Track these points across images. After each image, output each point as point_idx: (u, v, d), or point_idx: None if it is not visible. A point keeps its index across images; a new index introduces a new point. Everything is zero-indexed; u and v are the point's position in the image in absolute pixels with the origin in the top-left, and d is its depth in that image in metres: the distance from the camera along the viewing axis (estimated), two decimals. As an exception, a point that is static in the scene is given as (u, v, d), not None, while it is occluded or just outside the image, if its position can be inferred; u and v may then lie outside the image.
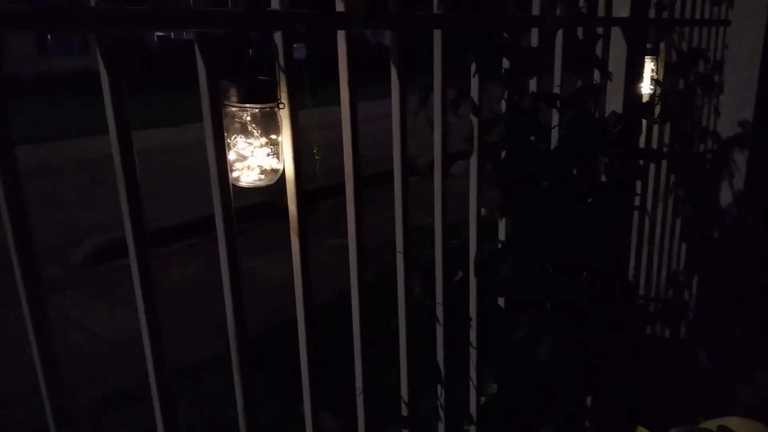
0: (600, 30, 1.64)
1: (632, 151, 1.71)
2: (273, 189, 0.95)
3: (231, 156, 0.85)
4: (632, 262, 2.15)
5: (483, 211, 1.53)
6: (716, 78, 2.26)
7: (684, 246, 2.26)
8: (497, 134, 1.34)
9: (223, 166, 0.80)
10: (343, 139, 0.98)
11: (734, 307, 2.00)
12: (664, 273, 2.29)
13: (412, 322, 1.22)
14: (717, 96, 2.23)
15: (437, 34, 1.12)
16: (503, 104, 1.36)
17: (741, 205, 1.90)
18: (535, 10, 1.38)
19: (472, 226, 1.36)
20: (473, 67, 1.23)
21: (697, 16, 2.07)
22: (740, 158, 1.88)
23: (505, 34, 1.30)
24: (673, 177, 2.21)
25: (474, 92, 1.25)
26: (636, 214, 2.12)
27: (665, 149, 2.16)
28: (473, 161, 1.30)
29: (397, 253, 1.16)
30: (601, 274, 1.79)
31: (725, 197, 1.97)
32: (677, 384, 1.80)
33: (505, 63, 1.33)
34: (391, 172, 1.12)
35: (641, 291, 2.26)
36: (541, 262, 1.51)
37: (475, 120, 1.27)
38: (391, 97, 1.06)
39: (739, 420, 0.71)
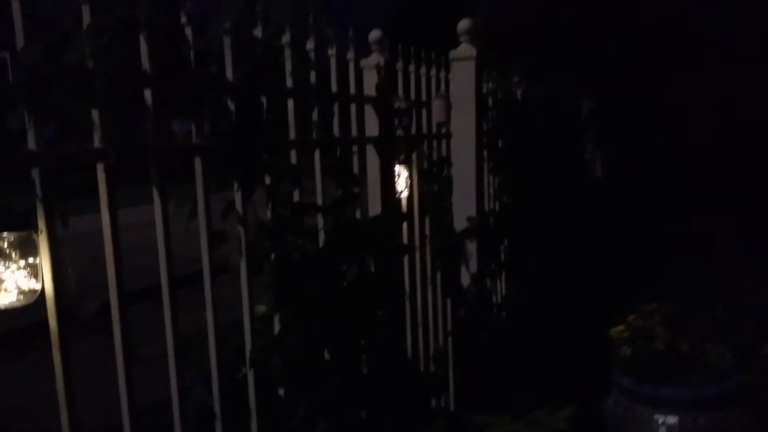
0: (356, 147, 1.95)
1: (392, 248, 2.01)
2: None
3: (-13, 280, 0.91)
4: (409, 341, 2.42)
5: (263, 308, 1.69)
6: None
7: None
8: (265, 242, 1.53)
9: (-24, 292, 0.86)
10: (107, 265, 1.09)
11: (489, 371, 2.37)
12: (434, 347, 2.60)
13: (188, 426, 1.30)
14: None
15: (198, 161, 1.30)
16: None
17: (475, 283, 2.31)
18: (292, 135, 1.63)
19: (246, 325, 1.50)
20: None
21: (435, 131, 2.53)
22: (471, 247, 2.30)
23: (265, 156, 1.52)
24: (438, 262, 2.58)
25: (238, 205, 1.43)
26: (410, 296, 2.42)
27: (427, 239, 2.53)
28: (242, 267, 1.47)
29: (169, 359, 1.26)
30: (379, 356, 2.02)
31: (465, 279, 2.37)
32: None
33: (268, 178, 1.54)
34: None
35: (422, 367, 2.54)
36: (316, 351, 1.69)
37: (241, 229, 1.45)
38: (155, 218, 1.20)
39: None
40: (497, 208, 3.69)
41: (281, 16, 1.38)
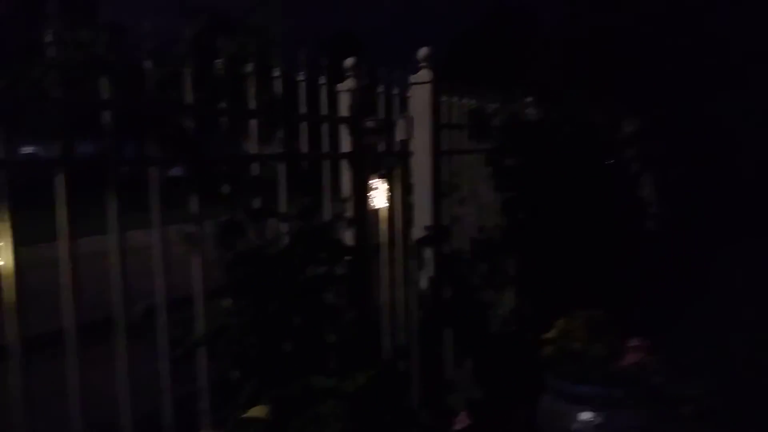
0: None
1: (353, 251, 2.20)
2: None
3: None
4: (389, 342, 2.60)
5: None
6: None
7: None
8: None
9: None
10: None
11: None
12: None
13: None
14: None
15: (153, 171, 1.57)
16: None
17: (435, 288, 2.50)
18: (254, 150, 1.87)
19: (197, 311, 1.76)
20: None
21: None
22: (429, 253, 2.49)
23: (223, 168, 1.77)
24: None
25: (194, 209, 1.69)
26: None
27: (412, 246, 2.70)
28: (195, 261, 1.72)
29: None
30: (348, 352, 2.22)
31: (423, 282, 2.56)
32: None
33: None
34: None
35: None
36: (267, 339, 1.90)
37: (196, 229, 1.70)
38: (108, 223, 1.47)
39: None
40: (505, 223, 3.81)
41: (232, 50, 1.64)
